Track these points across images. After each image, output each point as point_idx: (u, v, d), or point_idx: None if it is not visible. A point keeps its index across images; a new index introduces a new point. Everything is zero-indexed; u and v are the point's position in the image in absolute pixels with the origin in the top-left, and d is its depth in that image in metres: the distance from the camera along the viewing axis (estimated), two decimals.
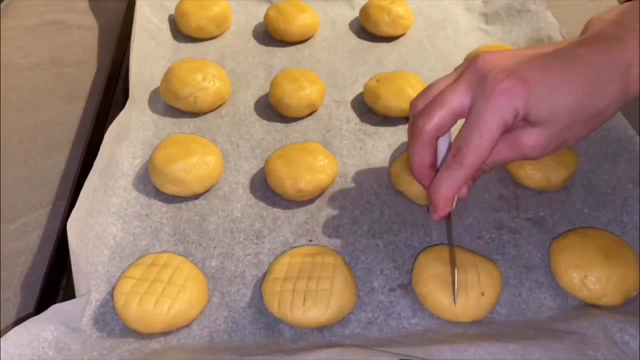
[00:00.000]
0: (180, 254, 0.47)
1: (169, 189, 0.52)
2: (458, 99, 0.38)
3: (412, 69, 0.69)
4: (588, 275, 0.43)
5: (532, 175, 0.52)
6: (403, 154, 0.55)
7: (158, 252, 0.46)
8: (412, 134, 0.40)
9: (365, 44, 0.74)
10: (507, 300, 0.45)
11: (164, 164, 0.51)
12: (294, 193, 0.52)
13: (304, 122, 0.62)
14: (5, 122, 0.61)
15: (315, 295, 0.42)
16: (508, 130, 0.37)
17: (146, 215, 0.51)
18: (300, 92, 0.60)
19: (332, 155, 0.55)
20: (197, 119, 0.62)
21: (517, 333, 0.41)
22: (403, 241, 0.50)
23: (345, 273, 0.44)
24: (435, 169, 0.41)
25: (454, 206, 0.41)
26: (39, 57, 0.70)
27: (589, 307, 0.44)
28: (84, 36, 0.73)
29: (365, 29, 0.75)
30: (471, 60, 0.39)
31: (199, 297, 0.43)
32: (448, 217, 0.43)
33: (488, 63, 0.37)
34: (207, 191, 0.54)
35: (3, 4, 0.77)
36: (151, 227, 0.50)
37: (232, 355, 0.38)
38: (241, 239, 0.50)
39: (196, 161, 0.52)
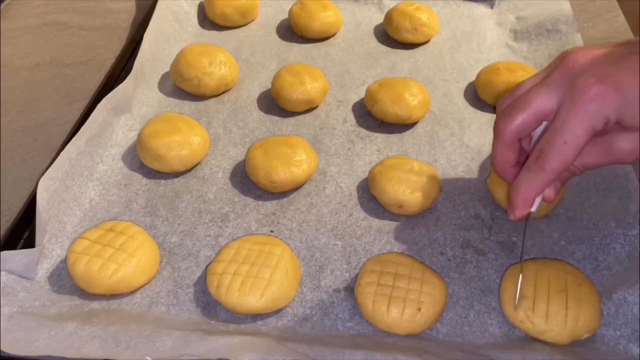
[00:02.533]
0: (144, 226, 0.49)
1: (151, 163, 0.54)
2: (543, 101, 0.37)
3: (424, 77, 0.68)
4: (535, 307, 0.41)
5: None
6: (384, 159, 0.55)
7: (120, 220, 0.49)
8: (495, 134, 0.40)
9: (384, 48, 0.73)
10: (451, 319, 0.44)
11: (148, 139, 0.53)
12: (266, 183, 0.52)
13: (300, 117, 0.62)
14: (6, 122, 0.61)
15: (252, 282, 0.42)
16: (599, 134, 0.36)
17: (125, 185, 0.54)
18: (300, 87, 0.61)
19: (313, 152, 0.55)
20: (200, 102, 0.64)
21: (445, 353, 0.39)
22: (363, 245, 0.49)
23: (287, 266, 0.44)
24: (520, 166, 0.41)
25: (534, 209, 0.40)
26: (39, 57, 0.71)
27: (532, 341, 0.42)
28: (84, 37, 0.74)
29: (388, 34, 0.74)
30: (562, 59, 0.37)
31: (145, 267, 0.44)
32: (526, 218, 0.42)
33: (579, 64, 0.36)
34: (188, 170, 0.56)
35: (4, 5, 0.79)
36: (126, 196, 0.53)
37: (153, 327, 0.39)
38: (206, 220, 0.51)
39: (179, 140, 0.54)
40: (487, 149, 0.58)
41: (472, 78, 0.68)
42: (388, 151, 0.59)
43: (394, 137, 0.60)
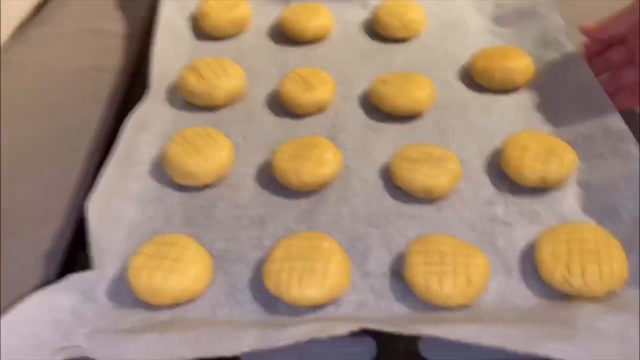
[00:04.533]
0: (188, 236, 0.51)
1: (181, 180, 0.55)
2: None
3: (420, 69, 0.71)
4: (570, 269, 0.45)
5: (527, 175, 0.54)
6: (401, 149, 0.58)
7: (169, 233, 0.50)
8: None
9: (376, 44, 0.76)
10: (494, 289, 0.47)
11: (176, 158, 0.55)
12: (299, 185, 0.55)
13: (312, 118, 0.65)
14: (44, 126, 0.64)
15: (310, 276, 0.45)
16: None
17: (160, 200, 0.55)
18: (309, 92, 0.63)
19: (337, 150, 0.58)
20: (213, 113, 0.65)
21: (500, 318, 0.43)
22: (398, 230, 0.52)
23: (339, 257, 0.47)
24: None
25: None
26: (78, 62, 0.73)
27: (573, 298, 0.46)
28: (120, 43, 0.76)
29: (377, 32, 0.77)
30: None
31: (203, 275, 0.46)
32: None
33: None
34: (217, 180, 0.57)
35: (43, 10, 0.82)
36: (164, 211, 0.54)
37: (227, 327, 0.41)
38: (246, 224, 0.53)
39: (207, 156, 0.55)
40: (492, 129, 0.62)
41: (464, 64, 0.71)
42: (402, 141, 0.62)
43: (404, 127, 0.63)
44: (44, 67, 0.73)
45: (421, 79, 0.65)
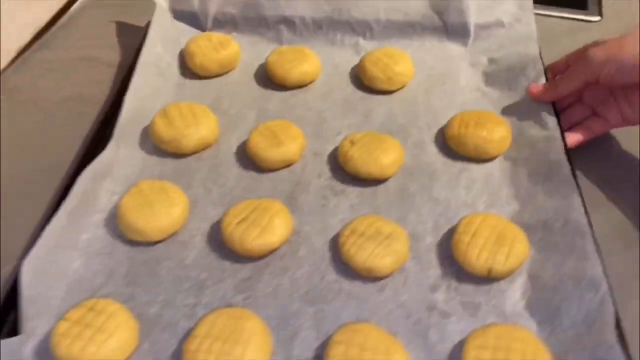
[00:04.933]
0: (125, 297, 0.52)
1: (131, 235, 0.56)
2: None
3: (398, 125, 0.70)
4: None
5: (473, 264, 0.52)
6: (352, 222, 0.57)
7: (99, 297, 0.51)
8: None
9: (360, 94, 0.75)
10: None
11: (128, 213, 0.56)
12: (242, 251, 0.55)
13: (277, 173, 0.65)
14: (29, 161, 0.66)
15: None
16: None
17: (108, 254, 0.56)
18: (276, 147, 0.63)
19: (287, 215, 0.57)
20: (180, 160, 0.66)
21: None
22: (333, 311, 0.52)
23: (259, 340, 0.47)
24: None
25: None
26: (67, 92, 0.75)
27: None
28: (111, 74, 0.78)
29: (362, 82, 0.76)
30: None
31: (125, 346, 0.47)
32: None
33: None
34: (168, 236, 0.58)
35: (45, 35, 0.84)
36: (110, 266, 0.55)
37: None
38: (185, 288, 0.54)
39: (158, 213, 0.56)
40: (455, 203, 0.61)
41: (444, 123, 0.70)
42: (361, 207, 0.61)
43: (367, 192, 0.63)
44: (36, 95, 0.75)
45: (390, 143, 0.64)
